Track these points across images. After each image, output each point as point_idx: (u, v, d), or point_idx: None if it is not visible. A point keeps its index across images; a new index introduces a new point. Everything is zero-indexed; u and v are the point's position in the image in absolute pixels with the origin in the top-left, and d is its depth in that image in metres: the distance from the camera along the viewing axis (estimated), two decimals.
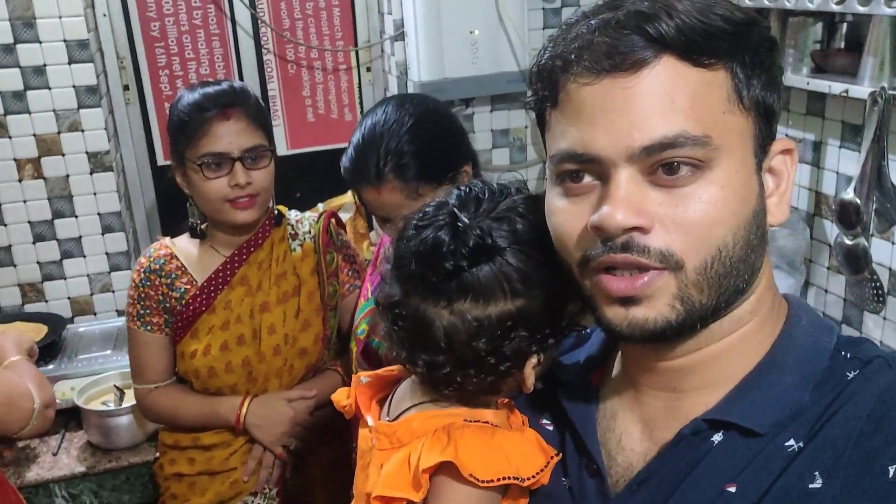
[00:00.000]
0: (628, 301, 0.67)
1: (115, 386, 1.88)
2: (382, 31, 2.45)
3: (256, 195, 1.56)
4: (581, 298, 0.73)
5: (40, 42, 2.08)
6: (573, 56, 0.66)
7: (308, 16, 2.41)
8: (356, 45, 2.48)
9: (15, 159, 2.14)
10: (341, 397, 0.91)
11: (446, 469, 0.75)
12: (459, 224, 0.76)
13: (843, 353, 0.71)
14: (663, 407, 0.75)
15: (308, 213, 1.78)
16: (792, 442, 0.67)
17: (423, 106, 1.42)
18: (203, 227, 1.66)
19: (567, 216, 0.70)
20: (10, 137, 2.12)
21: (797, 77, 1.70)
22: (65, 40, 2.09)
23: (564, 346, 0.87)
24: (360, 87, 2.54)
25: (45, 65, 2.10)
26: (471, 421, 0.79)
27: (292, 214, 1.74)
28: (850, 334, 0.74)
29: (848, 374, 0.69)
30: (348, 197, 2.36)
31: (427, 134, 1.37)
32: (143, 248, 2.41)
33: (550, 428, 0.84)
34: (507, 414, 0.84)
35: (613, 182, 0.65)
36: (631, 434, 0.77)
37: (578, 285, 0.72)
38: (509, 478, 0.74)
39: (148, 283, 1.61)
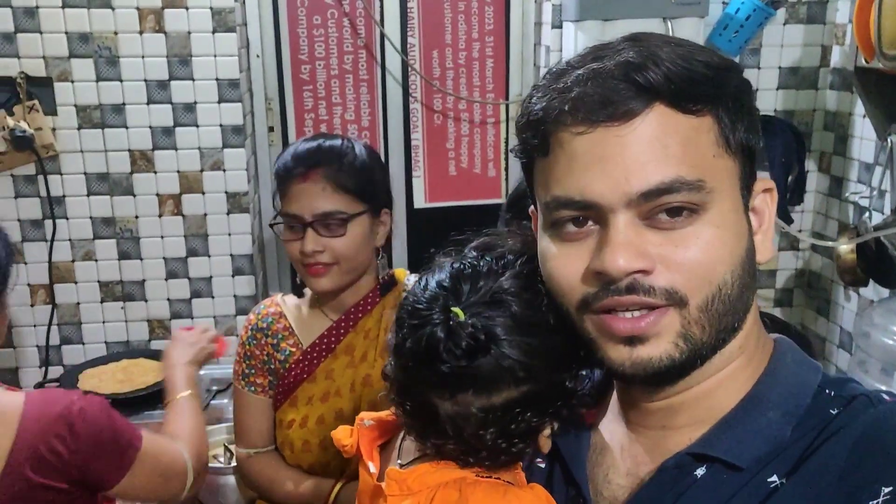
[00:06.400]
0: (634, 340, 0.69)
1: (224, 445, 1.79)
2: None
3: (332, 264, 1.41)
4: (581, 341, 0.73)
5: (193, 80, 2.07)
6: (566, 107, 0.67)
7: (460, 66, 2.31)
8: (507, 98, 2.35)
9: (157, 194, 2.14)
10: (343, 436, 0.90)
11: None
12: (451, 322, 0.74)
13: (827, 391, 0.72)
14: (650, 444, 0.76)
15: None
16: (775, 478, 0.67)
17: None
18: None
19: (563, 261, 0.71)
20: (155, 172, 2.12)
21: None
22: (217, 79, 2.07)
23: None
24: (506, 142, 2.40)
25: (195, 102, 2.09)
26: (484, 476, 0.79)
27: (410, 279, 1.56)
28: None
29: (832, 411, 0.69)
30: None
31: None
32: (271, 294, 2.36)
33: (542, 465, 0.85)
34: (519, 471, 0.84)
35: (612, 227, 0.67)
36: (618, 469, 0.78)
37: (577, 327, 0.72)
38: None
39: (254, 342, 1.51)
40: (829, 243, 2.10)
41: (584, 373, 0.88)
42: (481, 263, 0.79)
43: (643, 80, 0.65)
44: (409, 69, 2.29)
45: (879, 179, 1.97)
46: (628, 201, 0.66)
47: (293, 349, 1.50)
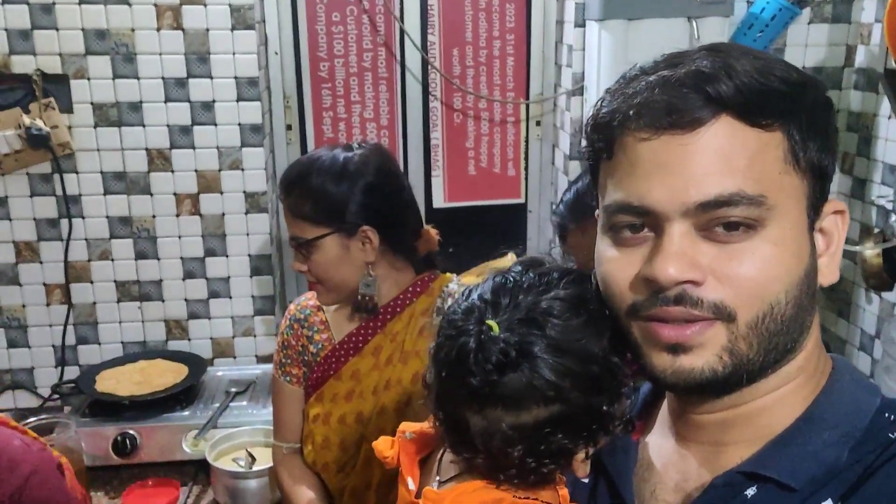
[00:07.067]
0: (677, 348, 0.68)
1: (246, 449, 1.77)
2: (558, 85, 2.28)
3: (315, 282, 1.45)
4: (627, 347, 0.73)
5: (212, 78, 2.04)
6: (632, 112, 0.68)
7: (480, 64, 2.28)
8: (528, 97, 2.33)
9: (175, 194, 2.11)
10: (384, 447, 0.89)
11: None
12: (483, 336, 0.73)
13: (886, 414, 0.70)
14: (700, 459, 0.75)
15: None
16: (829, 501, 0.66)
17: None
18: None
19: (617, 265, 0.71)
20: (172, 172, 2.09)
21: None
22: (235, 77, 2.04)
23: None
24: (527, 141, 2.37)
25: (213, 101, 2.06)
26: (522, 497, 0.77)
27: (451, 286, 1.51)
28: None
29: (890, 434, 0.68)
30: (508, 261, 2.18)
31: None
32: (288, 295, 2.34)
33: (586, 480, 0.83)
34: (561, 488, 0.81)
35: (667, 235, 0.67)
36: (665, 485, 0.77)
37: (625, 331, 0.72)
38: None
39: (291, 332, 1.53)
40: (856, 248, 2.08)
41: (627, 392, 0.87)
42: (523, 279, 0.77)
43: (713, 90, 0.65)
44: (429, 67, 2.26)
45: None
46: (685, 211, 0.65)
47: (326, 344, 1.51)
